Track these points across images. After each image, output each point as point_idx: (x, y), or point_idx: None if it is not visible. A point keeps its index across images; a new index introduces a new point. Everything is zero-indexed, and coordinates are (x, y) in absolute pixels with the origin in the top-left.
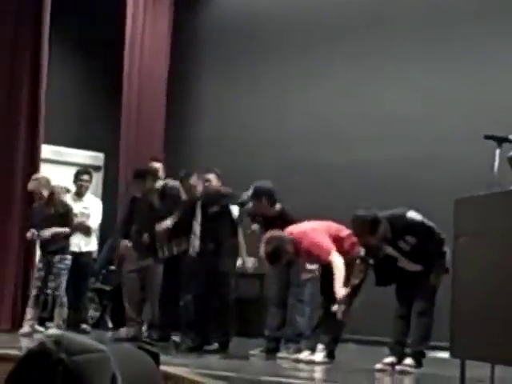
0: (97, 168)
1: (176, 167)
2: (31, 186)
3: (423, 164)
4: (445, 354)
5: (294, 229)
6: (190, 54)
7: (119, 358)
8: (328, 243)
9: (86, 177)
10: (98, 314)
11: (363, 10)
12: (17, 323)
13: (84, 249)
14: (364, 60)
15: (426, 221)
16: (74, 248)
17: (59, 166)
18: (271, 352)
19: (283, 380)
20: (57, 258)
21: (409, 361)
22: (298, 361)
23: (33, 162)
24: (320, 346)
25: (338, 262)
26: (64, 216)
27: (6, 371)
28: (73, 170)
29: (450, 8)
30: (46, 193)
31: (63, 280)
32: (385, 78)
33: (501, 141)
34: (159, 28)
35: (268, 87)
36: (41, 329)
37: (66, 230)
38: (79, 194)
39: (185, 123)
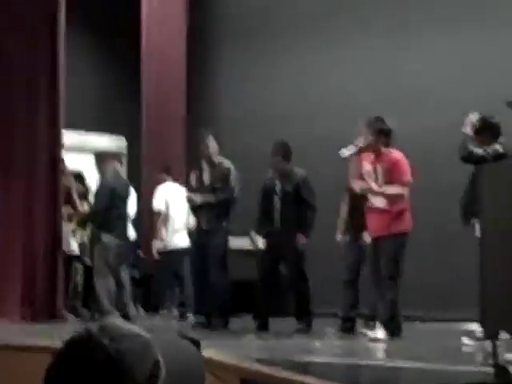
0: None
1: (199, 147)
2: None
3: (448, 134)
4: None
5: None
6: (207, 33)
7: (162, 345)
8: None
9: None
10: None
11: None
12: (28, 314)
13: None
14: (386, 31)
15: None
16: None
17: (81, 152)
18: (347, 331)
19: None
20: None
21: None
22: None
23: (54, 148)
24: (378, 324)
25: (402, 191)
26: None
27: None
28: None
29: None
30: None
31: None
32: (408, 48)
33: None
34: (176, 8)
35: (289, 62)
36: (71, 316)
37: None
38: None
39: (206, 103)
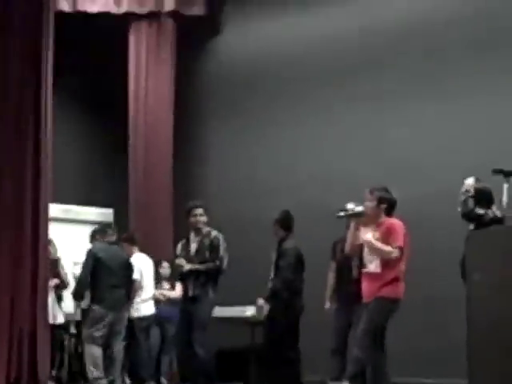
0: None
1: (187, 218)
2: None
3: (436, 201)
4: None
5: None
6: (194, 104)
7: None
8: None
9: None
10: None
11: (370, 52)
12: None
13: None
14: (372, 101)
15: None
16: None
17: (69, 225)
18: None
19: None
20: None
21: None
22: None
23: (41, 222)
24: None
25: (395, 253)
26: None
27: None
28: (83, 228)
29: (451, 47)
30: None
31: None
32: (393, 118)
33: (509, 174)
34: (162, 81)
35: (274, 132)
36: None
37: None
38: None
39: (193, 173)
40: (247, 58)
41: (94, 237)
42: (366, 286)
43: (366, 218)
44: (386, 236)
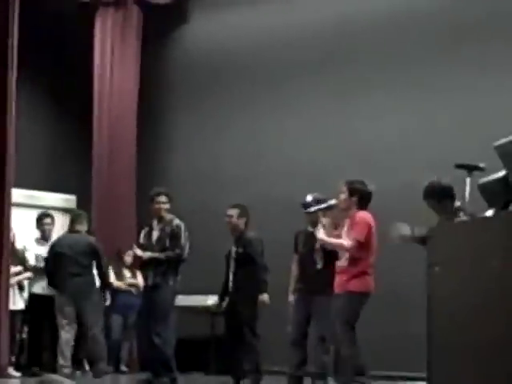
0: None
1: (150, 205)
2: None
3: (399, 194)
4: None
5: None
6: (159, 92)
7: None
8: (363, 234)
9: (48, 220)
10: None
11: (335, 44)
12: None
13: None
14: (337, 93)
15: None
16: (39, 291)
17: (32, 210)
18: None
19: None
20: None
21: None
22: None
23: (5, 208)
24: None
25: (352, 245)
26: None
27: None
28: None
29: (422, 40)
30: None
31: None
32: (358, 111)
33: (471, 169)
34: (127, 68)
35: (239, 122)
36: (17, 374)
37: None
38: (44, 238)
39: (156, 161)
40: (214, 47)
41: (38, 222)
42: (336, 279)
43: (338, 210)
44: (352, 228)
